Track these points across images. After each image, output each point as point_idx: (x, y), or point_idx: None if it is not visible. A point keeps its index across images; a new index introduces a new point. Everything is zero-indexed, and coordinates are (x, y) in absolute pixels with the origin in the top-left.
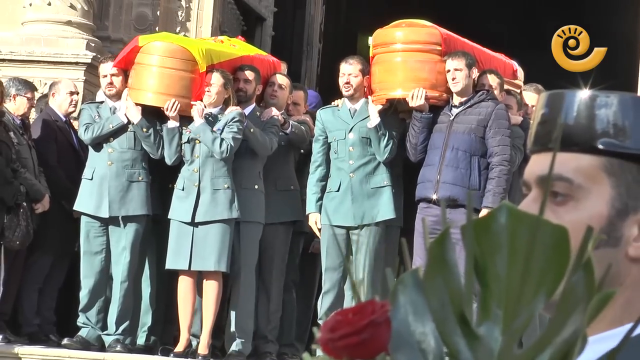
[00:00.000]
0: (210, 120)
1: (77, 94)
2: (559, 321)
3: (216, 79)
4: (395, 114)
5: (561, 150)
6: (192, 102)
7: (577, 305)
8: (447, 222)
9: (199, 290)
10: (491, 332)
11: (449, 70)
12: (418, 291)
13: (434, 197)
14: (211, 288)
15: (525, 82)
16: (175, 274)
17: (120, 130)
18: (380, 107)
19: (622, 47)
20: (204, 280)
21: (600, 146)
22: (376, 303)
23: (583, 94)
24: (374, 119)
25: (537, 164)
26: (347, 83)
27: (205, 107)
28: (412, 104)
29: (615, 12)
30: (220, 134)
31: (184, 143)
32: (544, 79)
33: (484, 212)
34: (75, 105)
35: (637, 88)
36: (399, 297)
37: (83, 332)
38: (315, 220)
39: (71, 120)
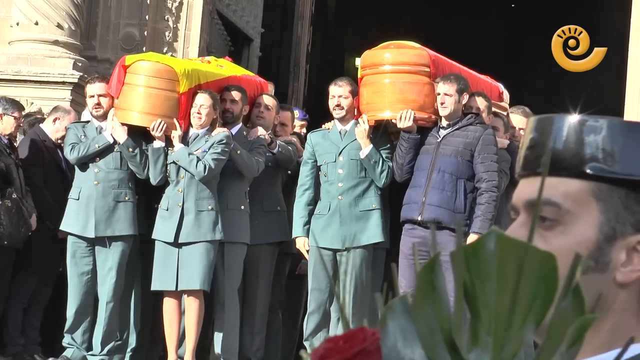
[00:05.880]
0: (197, 140)
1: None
2: (549, 348)
3: (205, 100)
4: (386, 134)
5: (550, 175)
6: (172, 127)
7: (568, 332)
8: (437, 247)
9: (184, 310)
10: (481, 359)
11: (439, 94)
12: (407, 317)
13: (419, 218)
14: (193, 308)
15: (511, 105)
16: (160, 294)
17: (107, 150)
18: (364, 133)
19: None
20: (186, 300)
21: (588, 171)
22: (367, 330)
23: (572, 119)
24: (365, 149)
25: (526, 189)
26: (338, 105)
27: (188, 129)
28: (400, 125)
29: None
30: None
31: (170, 163)
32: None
33: (472, 238)
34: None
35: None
36: (388, 323)
37: (68, 353)
38: (303, 243)
39: (59, 142)
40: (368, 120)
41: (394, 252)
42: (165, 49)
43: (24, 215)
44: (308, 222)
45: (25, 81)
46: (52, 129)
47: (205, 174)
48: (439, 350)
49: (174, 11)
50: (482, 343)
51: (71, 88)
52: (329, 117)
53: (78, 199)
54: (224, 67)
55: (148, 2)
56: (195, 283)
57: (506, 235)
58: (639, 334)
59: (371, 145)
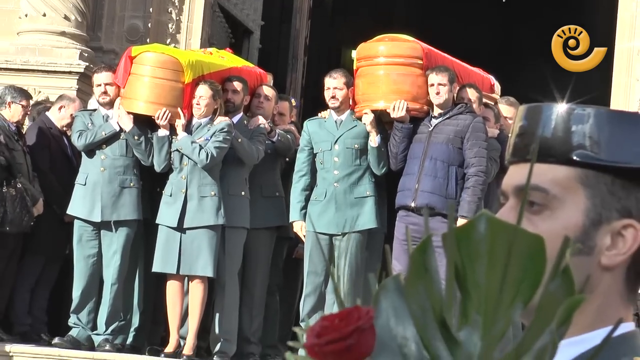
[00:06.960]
0: (200, 129)
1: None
2: (538, 327)
3: (205, 91)
4: (380, 124)
5: (538, 162)
6: (176, 117)
7: (557, 312)
8: (430, 231)
9: (186, 292)
10: (470, 337)
11: (432, 84)
12: (400, 296)
13: (413, 205)
14: (197, 292)
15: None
16: (162, 277)
17: (113, 137)
18: (374, 123)
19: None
20: (190, 284)
21: (576, 158)
22: (362, 309)
23: (560, 108)
24: (377, 138)
25: (515, 175)
26: (333, 97)
27: (192, 118)
28: (394, 115)
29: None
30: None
31: (174, 151)
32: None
33: (460, 222)
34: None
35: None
36: (381, 302)
37: (74, 332)
38: (300, 227)
39: (65, 129)
40: (363, 110)
41: (392, 236)
42: (168, 40)
43: (27, 204)
44: (305, 207)
45: (33, 71)
46: (57, 117)
47: (208, 161)
48: (430, 328)
49: (176, 4)
50: (472, 322)
51: (77, 77)
52: (326, 108)
53: (85, 185)
54: (225, 59)
55: None
56: (199, 269)
57: (496, 218)
58: (623, 315)
59: (380, 135)
